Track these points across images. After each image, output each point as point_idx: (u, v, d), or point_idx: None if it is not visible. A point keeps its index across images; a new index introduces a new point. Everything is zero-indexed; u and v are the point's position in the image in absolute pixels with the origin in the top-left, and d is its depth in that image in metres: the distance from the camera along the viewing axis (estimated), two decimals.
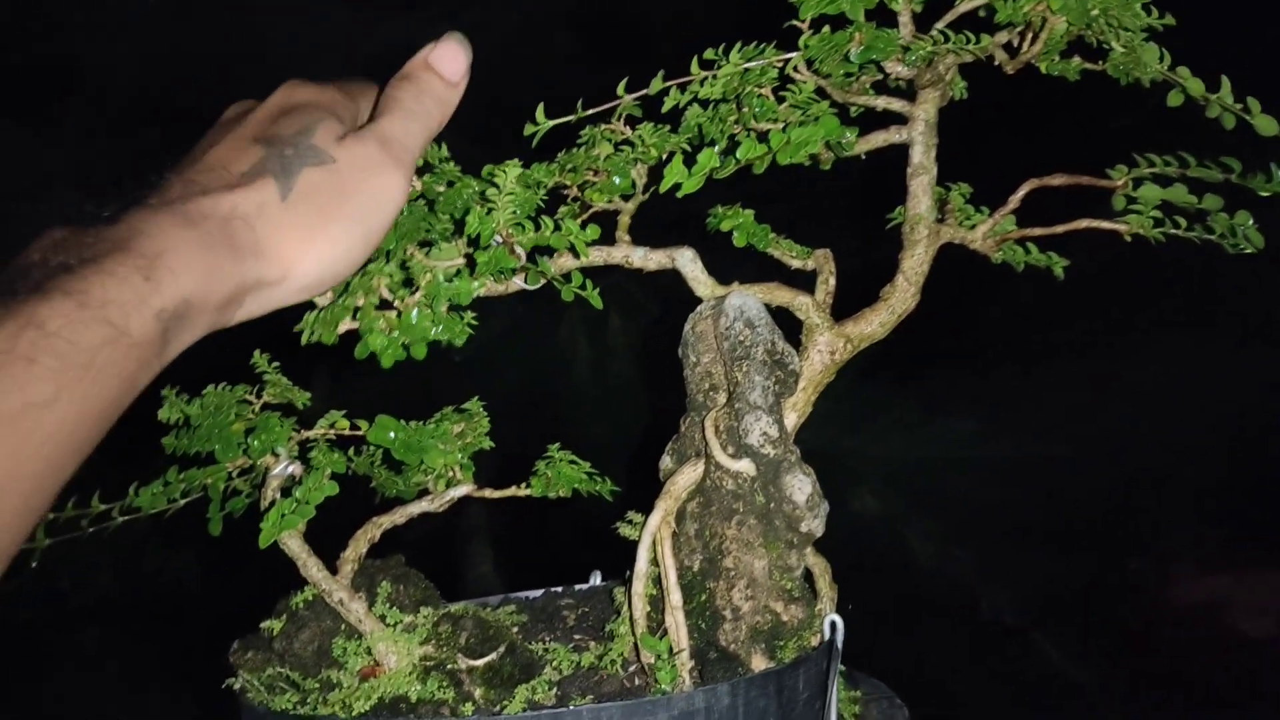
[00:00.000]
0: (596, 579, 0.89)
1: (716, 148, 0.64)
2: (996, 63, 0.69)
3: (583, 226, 0.69)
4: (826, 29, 0.66)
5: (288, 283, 0.56)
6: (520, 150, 0.70)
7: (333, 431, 0.71)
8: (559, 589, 0.89)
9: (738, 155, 0.62)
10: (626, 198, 0.77)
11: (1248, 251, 0.70)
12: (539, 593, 0.88)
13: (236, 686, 0.71)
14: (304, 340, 0.68)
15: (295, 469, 0.70)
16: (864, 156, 0.73)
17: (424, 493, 0.76)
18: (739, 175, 0.70)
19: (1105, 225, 0.71)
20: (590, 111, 0.70)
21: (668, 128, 0.74)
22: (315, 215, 0.56)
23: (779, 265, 0.79)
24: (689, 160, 0.61)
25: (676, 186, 0.62)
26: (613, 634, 0.74)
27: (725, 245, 0.78)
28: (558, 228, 0.65)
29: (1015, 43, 0.68)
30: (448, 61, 0.63)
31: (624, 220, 0.75)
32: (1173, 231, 0.71)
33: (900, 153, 0.75)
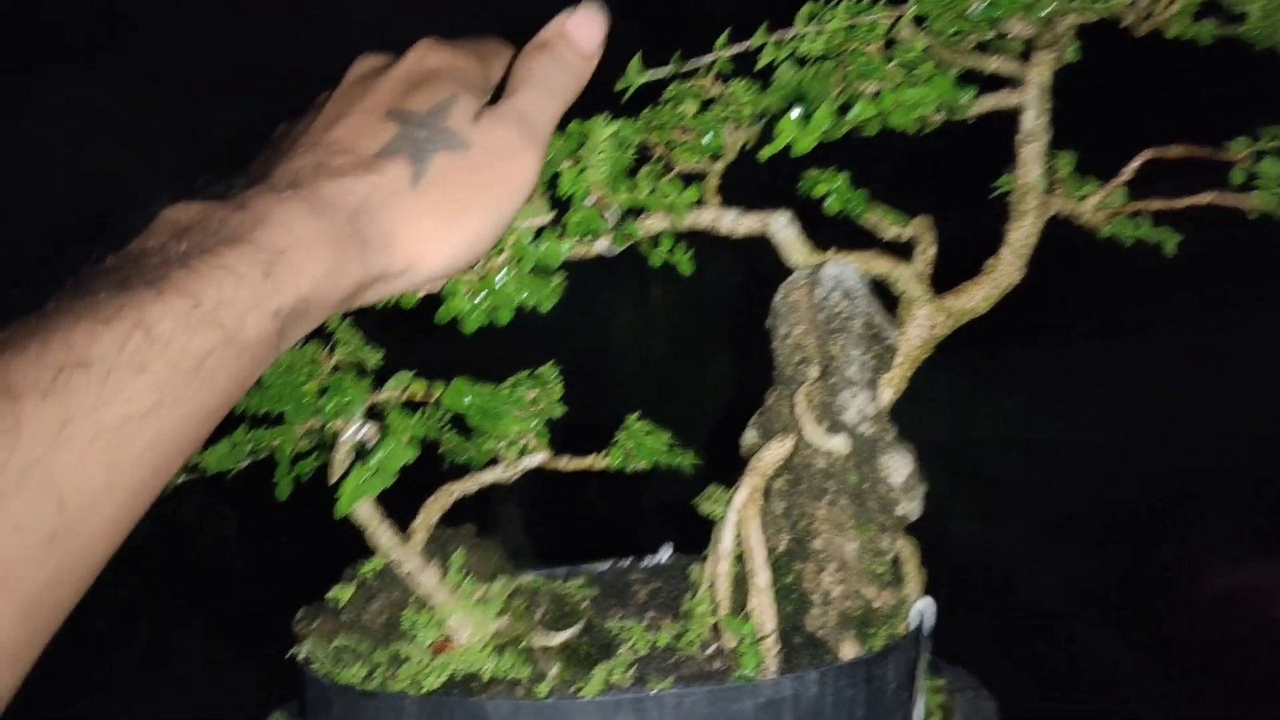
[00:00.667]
0: (666, 553, 0.86)
1: (826, 107, 0.59)
2: (1123, 25, 0.64)
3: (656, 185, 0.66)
4: None
5: (411, 274, 0.53)
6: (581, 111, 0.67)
7: (405, 394, 0.68)
8: (626, 562, 0.86)
9: (850, 115, 0.59)
10: (715, 159, 0.73)
11: None
12: (606, 565, 0.85)
13: (300, 656, 0.68)
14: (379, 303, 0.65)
15: (367, 432, 0.67)
16: (970, 121, 0.69)
17: (494, 460, 0.73)
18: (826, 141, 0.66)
19: (1231, 200, 0.66)
20: (688, 66, 0.66)
21: (758, 85, 0.71)
22: (447, 204, 0.53)
23: (871, 234, 0.75)
24: (806, 116, 0.57)
25: (782, 151, 0.58)
26: (689, 613, 0.71)
27: (814, 213, 0.74)
28: (654, 188, 0.61)
29: (1146, 3, 0.63)
30: (584, 31, 0.59)
31: (712, 182, 0.71)
32: None
33: (1000, 117, 0.71)
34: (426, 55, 0.57)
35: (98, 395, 0.39)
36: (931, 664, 0.76)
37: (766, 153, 0.59)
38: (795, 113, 0.57)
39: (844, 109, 0.60)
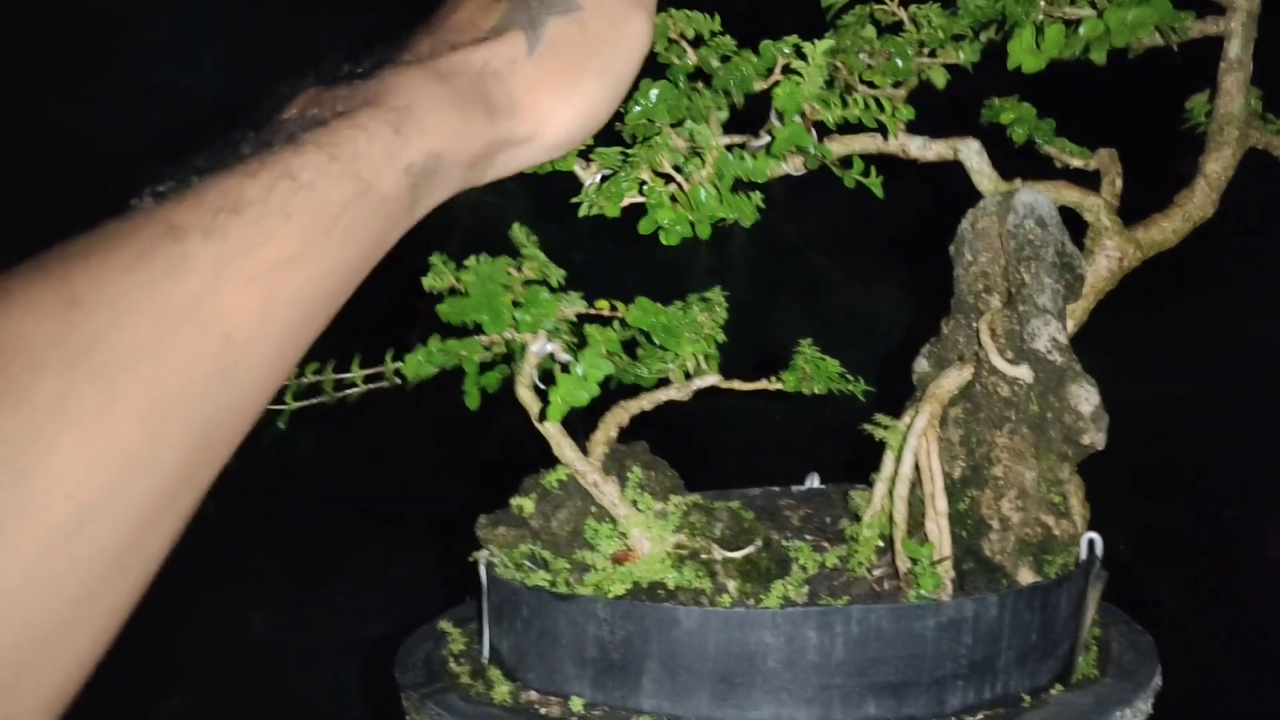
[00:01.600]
0: (814, 480, 0.86)
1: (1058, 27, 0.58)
2: None
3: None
4: None
5: (537, 140, 0.54)
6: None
7: (592, 309, 0.69)
8: (776, 488, 0.87)
9: (1083, 32, 0.58)
10: (898, 84, 0.72)
11: None
12: (758, 490, 0.86)
13: (483, 561, 0.70)
14: (582, 212, 0.65)
15: (554, 347, 0.67)
16: (1176, 48, 0.67)
17: (665, 380, 0.74)
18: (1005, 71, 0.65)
19: None
20: None
21: (948, 10, 0.70)
22: (564, 69, 0.54)
23: (1052, 165, 0.74)
24: (1038, 35, 0.57)
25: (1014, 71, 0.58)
26: (855, 536, 0.72)
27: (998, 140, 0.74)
28: (866, 105, 0.61)
29: None
30: None
31: (899, 108, 0.71)
32: None
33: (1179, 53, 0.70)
34: None
35: (251, 237, 0.40)
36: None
37: (1010, 65, 0.58)
38: (1026, 30, 0.56)
39: (1070, 25, 0.59)
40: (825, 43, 0.59)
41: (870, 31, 0.71)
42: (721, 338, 0.74)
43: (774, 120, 0.67)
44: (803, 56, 0.60)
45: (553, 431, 0.68)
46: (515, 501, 0.70)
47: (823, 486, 0.86)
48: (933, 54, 0.71)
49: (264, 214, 0.41)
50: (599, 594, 0.65)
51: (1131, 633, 0.76)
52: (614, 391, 0.76)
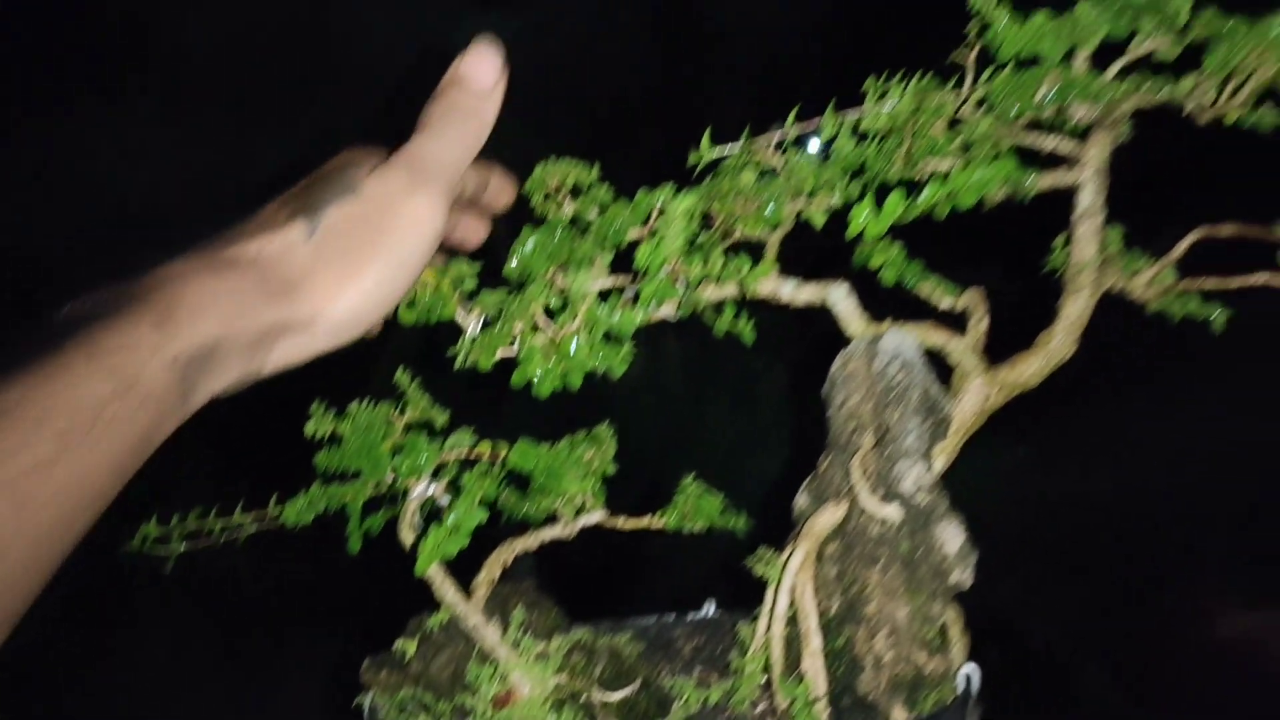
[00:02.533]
0: (710, 608, 0.87)
1: (898, 194, 0.62)
2: (1185, 113, 0.66)
3: (726, 256, 0.68)
4: (1008, 70, 0.64)
5: (320, 323, 0.53)
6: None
7: (472, 454, 0.70)
8: (671, 617, 0.87)
9: (922, 199, 0.60)
10: (774, 228, 0.75)
11: None
12: (652, 619, 0.86)
13: (367, 705, 0.70)
14: (457, 365, 0.67)
15: (436, 490, 0.69)
16: (1028, 200, 0.71)
17: (553, 517, 0.75)
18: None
19: None
20: (755, 141, 0.68)
21: (818, 158, 0.73)
22: (344, 252, 0.54)
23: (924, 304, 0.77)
24: (879, 202, 0.60)
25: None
26: (740, 672, 0.73)
27: (869, 281, 0.76)
28: (726, 261, 0.63)
29: (1207, 91, 0.65)
30: (477, 70, 0.59)
31: (771, 251, 0.73)
32: None
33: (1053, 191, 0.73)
34: (353, 153, 0.59)
35: (5, 446, 0.41)
36: None
37: (850, 232, 0.61)
38: (866, 200, 0.59)
39: (913, 187, 0.62)
40: (683, 202, 0.62)
41: (748, 177, 0.74)
42: (610, 471, 0.76)
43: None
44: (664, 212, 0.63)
45: (433, 574, 0.68)
46: (398, 645, 0.71)
47: (717, 615, 0.87)
48: (811, 196, 0.74)
49: (18, 422, 0.41)
50: None
51: None
52: (504, 527, 0.77)
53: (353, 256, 0.54)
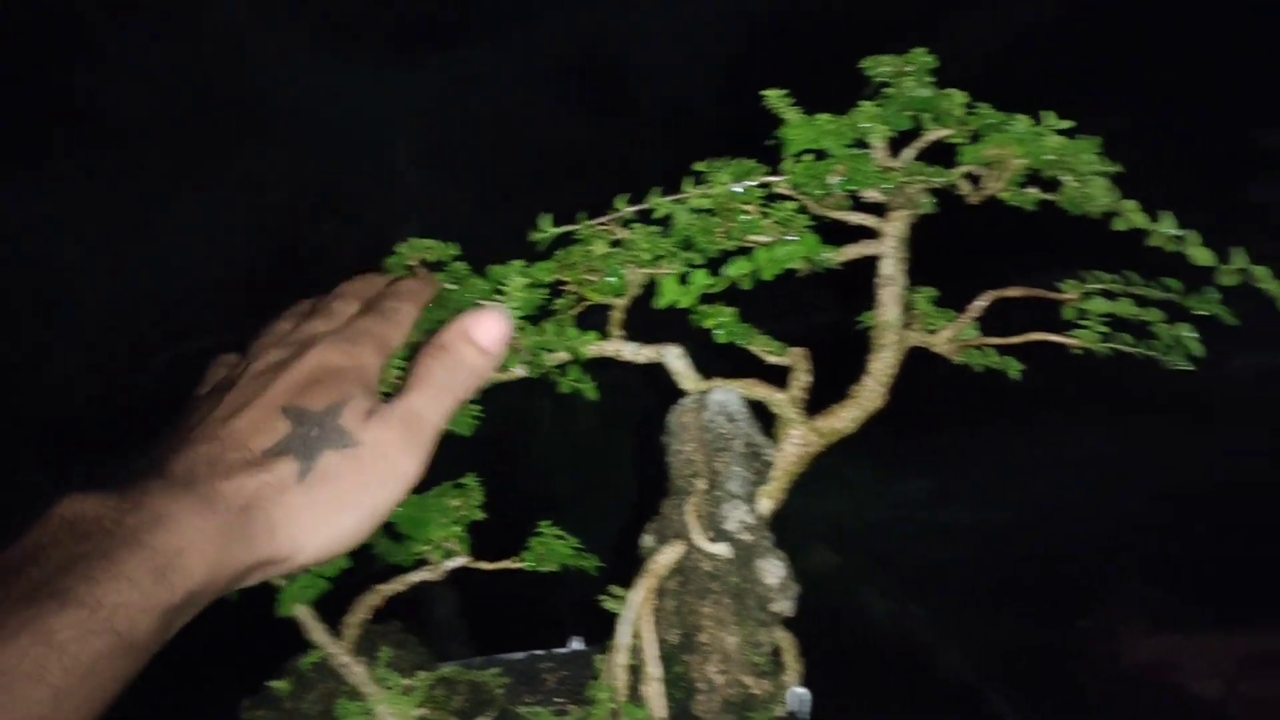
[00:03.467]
0: (576, 644, 0.94)
1: (706, 267, 0.70)
2: (961, 193, 0.76)
3: (579, 319, 0.76)
4: (809, 158, 0.73)
5: (292, 559, 0.56)
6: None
7: None
8: (540, 652, 0.94)
9: (728, 273, 0.69)
10: (620, 295, 0.83)
11: (1183, 368, 0.76)
12: (521, 655, 0.93)
13: None
14: None
15: None
16: (840, 266, 0.80)
17: (422, 562, 0.81)
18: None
19: (1056, 338, 0.78)
20: (597, 221, 0.76)
21: (659, 230, 0.81)
22: (331, 499, 0.56)
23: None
24: (684, 277, 0.68)
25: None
26: (592, 700, 0.80)
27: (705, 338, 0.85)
28: (560, 332, 0.71)
29: (978, 176, 0.75)
30: (485, 332, 0.64)
31: (616, 316, 0.81)
32: (1118, 346, 0.78)
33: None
34: (329, 353, 0.61)
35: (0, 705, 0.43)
36: None
37: (660, 304, 0.69)
38: (675, 274, 0.68)
39: (722, 259, 0.70)
40: (519, 278, 0.70)
41: (600, 246, 0.82)
42: (479, 517, 0.83)
43: None
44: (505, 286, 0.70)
45: (303, 616, 0.75)
46: (273, 684, 0.76)
47: (584, 649, 0.93)
48: (656, 263, 0.83)
49: (15, 680, 0.44)
50: None
51: None
52: (377, 572, 0.83)
53: (338, 506, 0.56)
